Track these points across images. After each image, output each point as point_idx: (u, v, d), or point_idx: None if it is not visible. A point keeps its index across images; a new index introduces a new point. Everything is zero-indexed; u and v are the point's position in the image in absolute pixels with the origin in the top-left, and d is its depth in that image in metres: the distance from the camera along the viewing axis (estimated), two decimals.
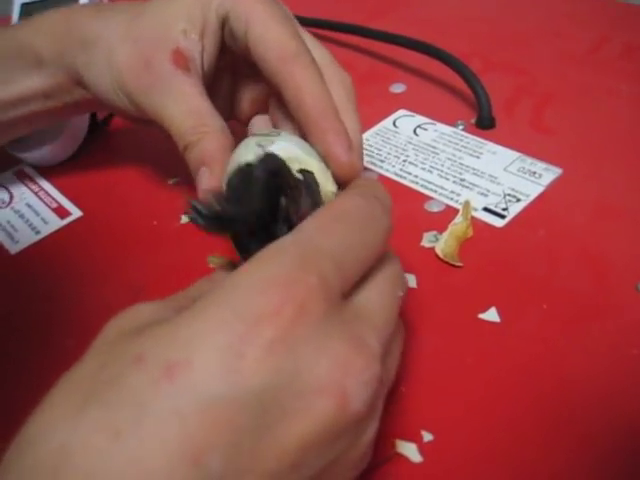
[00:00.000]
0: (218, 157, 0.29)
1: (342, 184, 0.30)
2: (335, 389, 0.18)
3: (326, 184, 0.29)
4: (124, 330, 0.19)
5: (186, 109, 0.30)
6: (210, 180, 0.28)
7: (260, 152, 0.26)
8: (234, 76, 0.35)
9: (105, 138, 0.44)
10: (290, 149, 0.27)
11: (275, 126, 0.32)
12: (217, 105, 0.31)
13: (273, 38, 0.28)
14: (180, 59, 0.30)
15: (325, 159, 0.28)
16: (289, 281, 0.18)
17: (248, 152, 0.26)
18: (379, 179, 0.38)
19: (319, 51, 0.30)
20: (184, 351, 0.17)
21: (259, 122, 0.34)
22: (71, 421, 0.16)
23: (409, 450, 0.24)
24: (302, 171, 0.28)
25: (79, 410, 0.16)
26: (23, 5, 0.44)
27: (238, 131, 0.31)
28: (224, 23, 0.31)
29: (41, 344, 0.31)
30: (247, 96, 0.35)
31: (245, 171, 0.24)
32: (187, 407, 0.16)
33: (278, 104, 0.31)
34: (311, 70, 0.28)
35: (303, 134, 0.28)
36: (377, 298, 0.22)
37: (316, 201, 0.29)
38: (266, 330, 0.17)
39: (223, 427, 0.16)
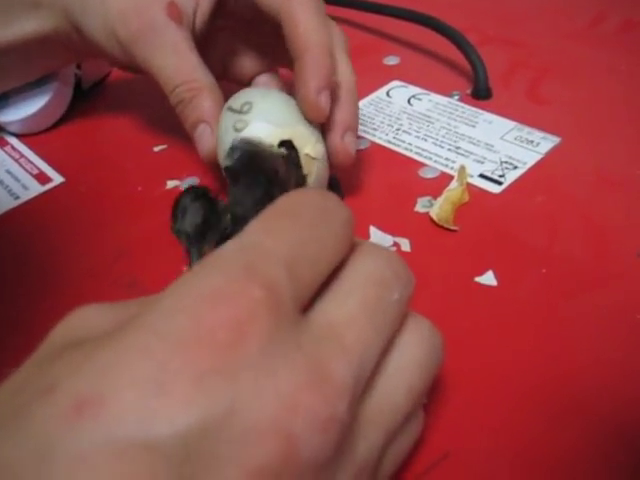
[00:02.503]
0: (215, 114, 0.30)
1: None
2: (279, 432, 0.14)
3: (304, 147, 0.28)
4: (66, 341, 0.16)
5: (176, 62, 0.30)
6: (211, 139, 0.30)
7: (237, 138, 0.28)
8: (232, 38, 0.35)
9: (89, 105, 0.43)
10: (262, 128, 0.28)
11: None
12: (209, 64, 0.31)
13: None
14: (174, 11, 0.30)
15: (296, 97, 0.29)
16: (227, 295, 0.15)
17: (227, 134, 0.29)
18: (371, 146, 0.36)
19: None
20: (97, 384, 0.14)
21: (263, 80, 0.34)
22: None
23: None
24: (282, 143, 0.28)
25: None
26: None
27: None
28: None
29: (18, 309, 0.29)
30: (247, 57, 0.35)
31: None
32: (95, 453, 0.13)
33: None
34: (310, 5, 0.28)
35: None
36: (347, 308, 0.17)
37: (299, 166, 0.29)
38: (196, 359, 0.14)
39: (137, 478, 0.13)
